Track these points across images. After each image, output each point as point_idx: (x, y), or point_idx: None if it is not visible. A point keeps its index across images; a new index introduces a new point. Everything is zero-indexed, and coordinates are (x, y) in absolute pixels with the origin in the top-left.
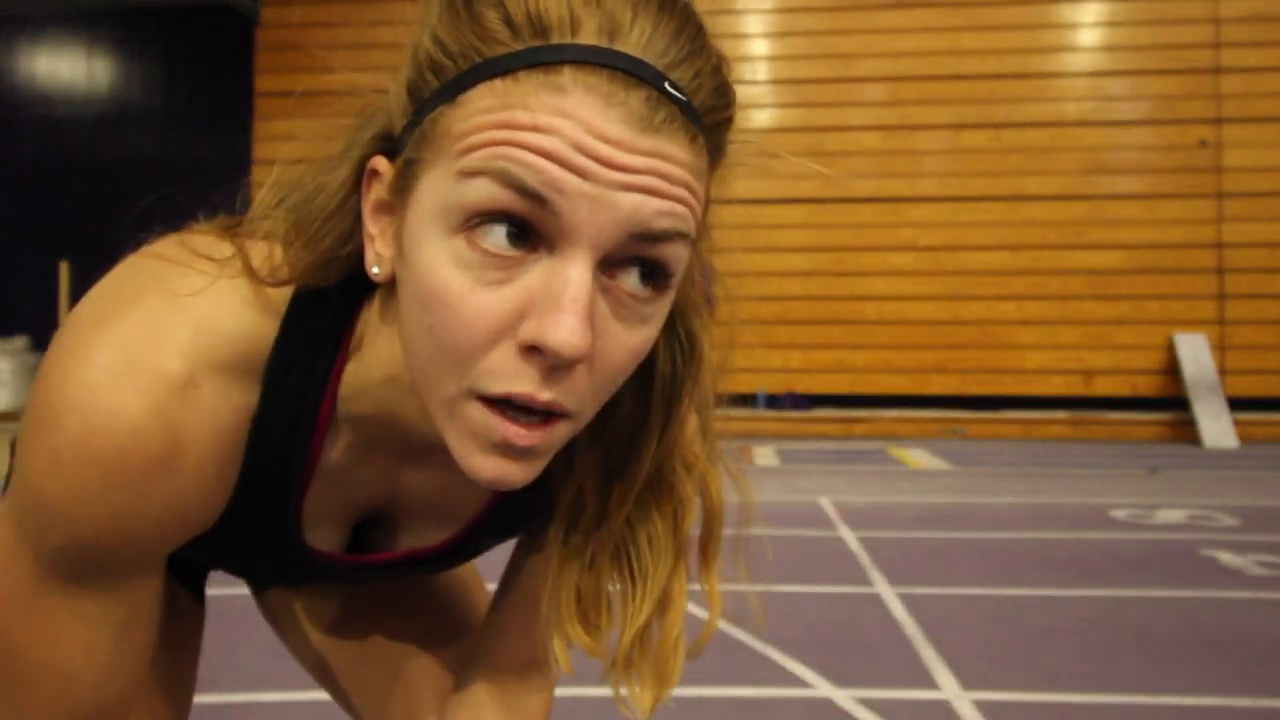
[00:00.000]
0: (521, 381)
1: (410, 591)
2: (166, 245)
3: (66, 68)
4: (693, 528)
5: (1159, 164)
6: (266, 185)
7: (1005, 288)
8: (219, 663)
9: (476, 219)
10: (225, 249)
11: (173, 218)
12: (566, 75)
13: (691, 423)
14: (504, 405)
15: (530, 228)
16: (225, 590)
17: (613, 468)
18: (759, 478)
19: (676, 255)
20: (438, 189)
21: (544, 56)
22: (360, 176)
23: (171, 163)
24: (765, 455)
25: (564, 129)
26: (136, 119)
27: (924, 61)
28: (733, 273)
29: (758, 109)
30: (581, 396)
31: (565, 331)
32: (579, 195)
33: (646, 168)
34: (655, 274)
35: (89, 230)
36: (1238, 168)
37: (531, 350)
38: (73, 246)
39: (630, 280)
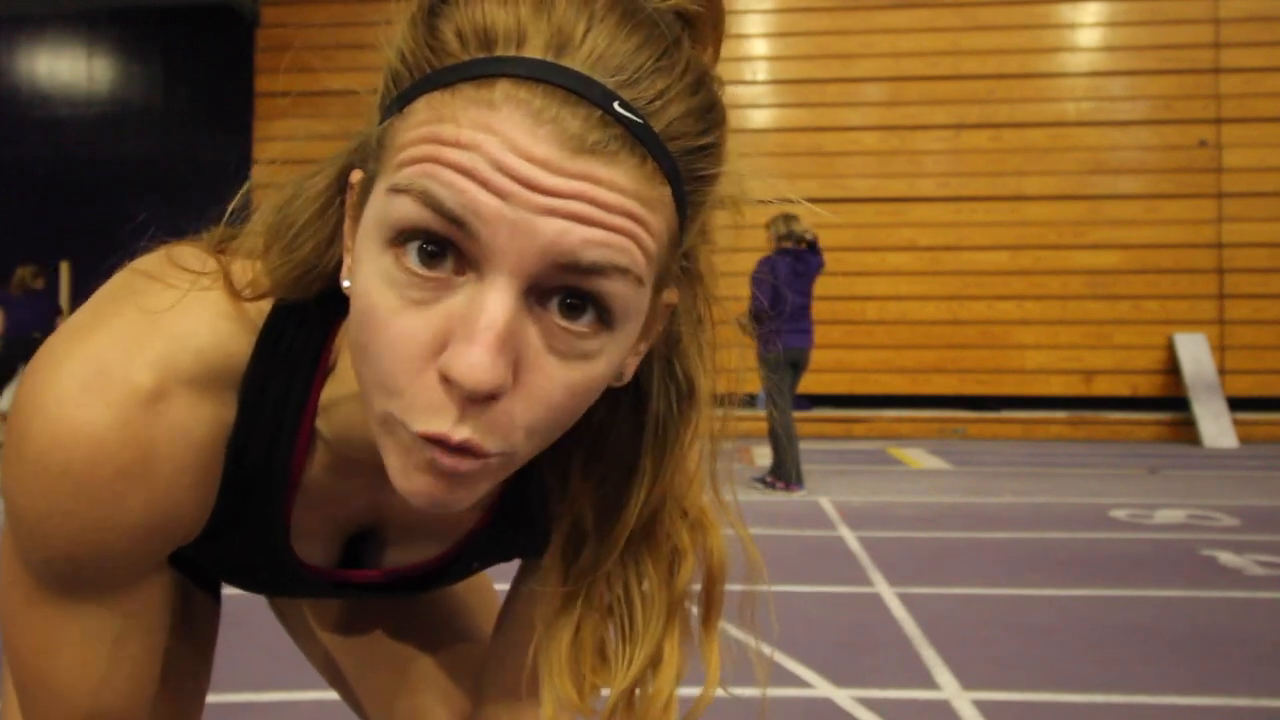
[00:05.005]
0: (439, 418)
1: (418, 596)
2: (152, 260)
3: (66, 68)
4: (694, 585)
5: (1159, 164)
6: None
7: (1005, 288)
8: (218, 663)
9: (402, 236)
10: (210, 263)
11: (173, 221)
12: (499, 90)
13: (691, 469)
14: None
15: (456, 248)
16: (224, 591)
17: (608, 505)
18: (758, 475)
19: (617, 291)
20: (376, 203)
21: (481, 69)
22: (343, 185)
23: (171, 163)
24: (765, 455)
25: (487, 146)
26: (136, 119)
27: (924, 61)
28: (732, 273)
29: (758, 109)
30: (508, 435)
31: (466, 365)
32: (498, 219)
33: (573, 192)
34: (596, 308)
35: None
36: (1238, 168)
37: (447, 380)
38: (73, 246)
39: (567, 312)
